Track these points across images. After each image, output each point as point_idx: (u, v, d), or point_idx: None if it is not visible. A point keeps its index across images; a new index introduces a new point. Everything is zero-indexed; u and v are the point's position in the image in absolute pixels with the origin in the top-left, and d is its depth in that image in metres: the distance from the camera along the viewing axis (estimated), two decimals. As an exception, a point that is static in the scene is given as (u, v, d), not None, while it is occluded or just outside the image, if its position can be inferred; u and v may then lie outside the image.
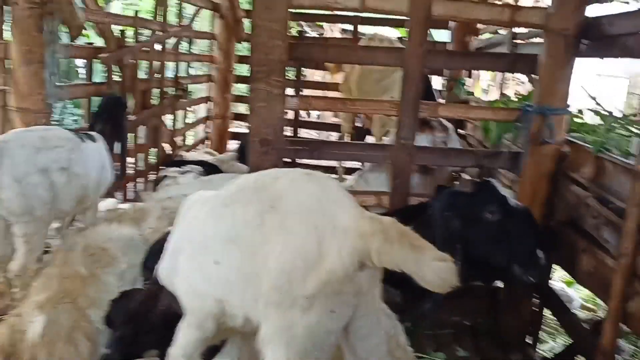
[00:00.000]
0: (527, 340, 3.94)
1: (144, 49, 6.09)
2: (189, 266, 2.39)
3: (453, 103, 6.37)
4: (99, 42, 5.98)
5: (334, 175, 7.42)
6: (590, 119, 4.29)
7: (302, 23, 14.06)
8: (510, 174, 4.03)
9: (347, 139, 7.44)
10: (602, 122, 3.61)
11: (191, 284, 2.39)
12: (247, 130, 5.23)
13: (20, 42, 4.08)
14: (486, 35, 7.07)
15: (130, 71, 5.82)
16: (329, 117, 13.86)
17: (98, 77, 6.14)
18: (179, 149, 7.65)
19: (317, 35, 14.70)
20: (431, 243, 1.99)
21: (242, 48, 9.01)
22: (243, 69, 9.72)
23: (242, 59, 9.04)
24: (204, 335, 2.41)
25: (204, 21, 9.32)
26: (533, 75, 3.84)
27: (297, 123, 8.29)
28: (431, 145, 4.43)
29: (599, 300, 4.44)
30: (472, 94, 7.68)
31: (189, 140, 9.05)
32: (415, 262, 1.90)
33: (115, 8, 13.94)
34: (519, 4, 6.08)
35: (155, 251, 2.83)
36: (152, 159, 6.90)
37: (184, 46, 7.67)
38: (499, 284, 3.95)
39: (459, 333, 3.94)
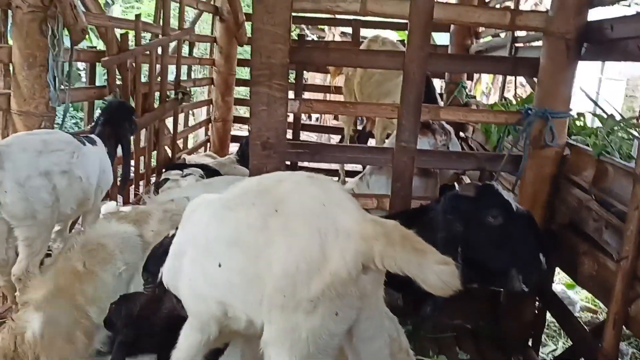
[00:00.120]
0: (528, 343, 3.94)
1: (145, 52, 6.11)
2: (192, 269, 2.40)
3: (454, 106, 6.39)
4: (100, 45, 5.99)
5: (335, 178, 7.44)
6: (591, 121, 4.30)
7: (303, 26, 14.14)
8: (511, 177, 4.04)
9: (348, 141, 7.45)
10: (602, 125, 3.62)
11: (194, 287, 2.39)
12: (248, 133, 5.24)
13: (23, 46, 4.09)
14: (487, 39, 7.09)
15: (132, 74, 5.84)
16: (329, 120, 13.90)
17: (100, 80, 6.17)
18: (180, 152, 7.66)
19: (318, 39, 14.74)
20: (433, 246, 2.00)
21: (243, 51, 9.03)
22: (244, 72, 9.75)
23: (243, 62, 9.06)
24: (207, 338, 2.42)
25: (205, 24, 9.35)
26: (534, 79, 3.84)
27: (297, 126, 8.30)
28: (432, 149, 4.43)
29: (600, 302, 4.45)
30: (474, 97, 7.70)
31: (190, 143, 9.07)
32: (417, 266, 1.91)
33: (116, 11, 14.00)
34: (520, 7, 6.08)
35: (156, 254, 2.83)
36: (154, 162, 6.91)
37: (185, 49, 7.68)
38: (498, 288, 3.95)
39: (461, 336, 3.94)
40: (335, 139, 10.98)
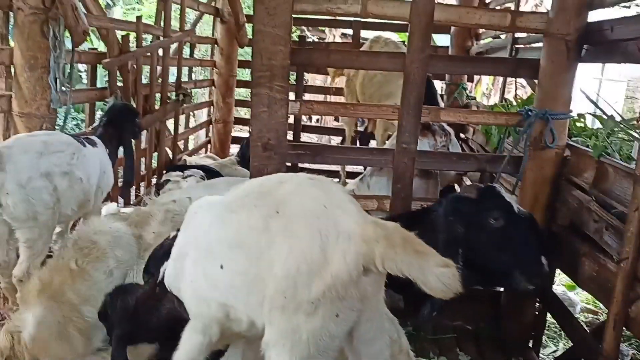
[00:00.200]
0: (529, 344, 3.94)
1: (146, 54, 6.12)
2: (194, 271, 2.41)
3: (454, 107, 6.40)
4: (101, 47, 6.00)
5: (336, 179, 7.45)
6: (591, 123, 4.30)
7: (304, 27, 14.15)
8: (511, 178, 4.04)
9: (349, 143, 7.46)
10: (602, 127, 3.62)
11: (196, 289, 2.40)
12: (248, 135, 5.24)
13: (24, 48, 4.11)
14: (487, 40, 7.10)
15: (133, 76, 5.85)
16: (330, 122, 13.91)
17: (101, 82, 6.18)
18: (181, 153, 7.67)
19: (318, 40, 14.75)
20: (435, 248, 2.00)
21: (244, 53, 9.05)
22: (245, 74, 9.75)
23: (244, 64, 9.07)
24: (208, 340, 2.42)
25: (206, 26, 9.36)
26: (535, 80, 3.85)
27: (298, 127, 8.31)
28: (432, 150, 4.43)
29: (600, 303, 4.45)
30: (474, 98, 7.71)
31: (191, 145, 9.08)
32: (418, 268, 1.91)
33: (117, 13, 14.03)
34: (520, 9, 6.08)
35: (157, 256, 2.84)
36: (154, 163, 6.92)
37: (186, 51, 7.69)
38: (501, 288, 3.95)
39: (461, 337, 3.94)
40: (335, 140, 10.98)
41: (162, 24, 6.52)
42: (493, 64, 4.44)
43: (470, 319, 4.03)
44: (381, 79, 6.00)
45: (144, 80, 6.24)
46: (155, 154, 6.78)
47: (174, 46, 7.04)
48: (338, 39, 14.77)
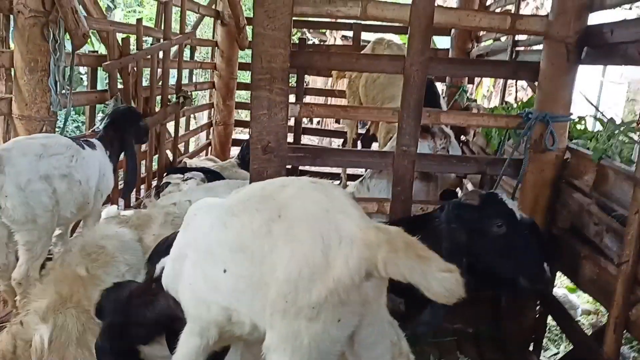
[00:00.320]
0: (529, 347, 3.93)
1: (146, 56, 6.12)
2: (193, 273, 2.40)
3: (455, 109, 6.39)
4: (102, 49, 6.01)
5: (336, 182, 7.45)
6: (592, 125, 4.30)
7: (304, 30, 14.16)
8: (512, 180, 4.04)
9: (350, 145, 7.45)
10: (603, 129, 3.62)
11: (195, 292, 2.39)
12: (249, 137, 5.24)
13: (25, 51, 4.11)
14: (488, 42, 7.10)
15: (133, 78, 5.85)
16: (331, 124, 13.91)
17: (101, 84, 6.18)
18: (182, 156, 7.67)
19: (319, 42, 14.77)
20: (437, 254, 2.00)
21: (245, 55, 9.06)
22: (245, 76, 9.76)
23: (244, 66, 9.08)
24: (206, 342, 2.41)
25: (207, 28, 9.37)
26: (535, 83, 3.85)
27: (299, 130, 8.32)
28: (432, 152, 4.43)
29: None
30: (475, 100, 7.71)
31: (192, 147, 9.08)
32: (421, 273, 1.89)
33: (118, 16, 14.05)
34: (520, 11, 6.08)
35: (161, 249, 2.82)
36: (155, 166, 6.92)
37: (186, 53, 7.70)
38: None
39: (462, 340, 3.93)
40: (336, 142, 10.98)
41: (162, 26, 6.52)
42: (493, 67, 4.43)
43: (470, 322, 4.02)
44: (384, 81, 5.99)
45: (145, 83, 6.24)
46: (155, 157, 6.79)
47: (174, 49, 7.05)
48: (339, 42, 14.78)
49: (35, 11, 4.06)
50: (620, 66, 3.56)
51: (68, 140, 3.91)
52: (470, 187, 5.30)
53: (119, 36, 5.74)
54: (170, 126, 7.18)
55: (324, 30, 15.37)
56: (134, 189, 6.18)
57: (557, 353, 4.87)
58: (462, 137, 6.42)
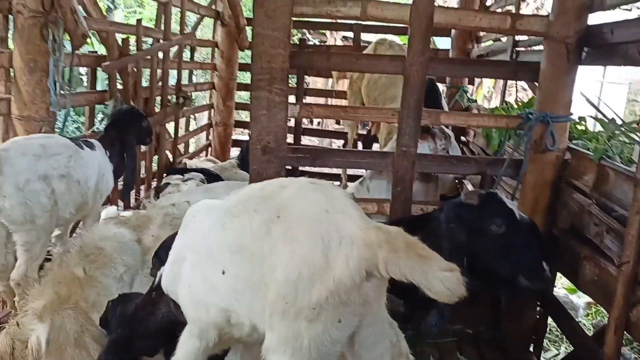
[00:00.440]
0: (530, 348, 3.92)
1: (146, 57, 6.12)
2: (192, 275, 2.39)
3: (455, 110, 6.38)
4: (102, 50, 6.01)
5: (337, 182, 7.44)
6: (593, 126, 4.29)
7: (305, 30, 14.16)
8: (512, 181, 4.03)
9: (351, 146, 7.44)
10: (603, 129, 3.61)
11: (194, 293, 2.38)
12: (248, 138, 5.24)
13: (24, 51, 4.11)
14: (488, 43, 7.09)
15: (133, 79, 5.85)
16: (331, 125, 13.91)
17: (102, 85, 6.17)
18: (181, 157, 7.67)
19: (319, 43, 14.77)
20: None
21: (245, 56, 9.06)
22: (245, 77, 9.75)
23: (244, 67, 9.08)
24: (205, 344, 2.41)
25: (207, 29, 9.37)
26: (535, 83, 3.84)
27: (299, 130, 8.31)
28: (432, 153, 4.42)
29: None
30: (475, 101, 7.69)
31: (192, 148, 9.08)
32: (422, 272, 1.89)
33: (118, 16, 14.05)
34: (520, 12, 6.08)
35: (169, 243, 2.81)
36: (155, 166, 6.92)
37: (186, 54, 7.70)
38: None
39: (462, 341, 3.92)
40: (336, 143, 10.96)
41: (162, 27, 6.52)
42: (493, 67, 4.43)
43: (470, 323, 4.01)
44: (386, 82, 5.97)
45: (144, 84, 6.24)
46: (155, 157, 6.78)
47: (174, 49, 7.05)
48: (339, 42, 14.78)
49: (34, 11, 4.06)
50: (620, 67, 3.54)
51: (67, 140, 3.91)
52: (470, 187, 5.29)
53: (119, 37, 5.73)
54: (170, 127, 7.18)
55: (324, 31, 15.38)
56: (133, 190, 6.18)
57: (558, 354, 4.86)
58: (463, 138, 6.41)
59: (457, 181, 5.73)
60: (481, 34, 7.07)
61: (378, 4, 3.43)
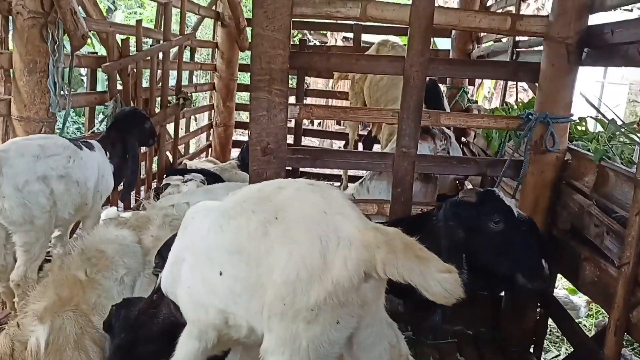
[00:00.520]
0: (530, 349, 3.91)
1: (146, 57, 6.11)
2: (191, 276, 2.39)
3: (456, 111, 6.37)
4: (102, 51, 6.01)
5: (336, 184, 7.44)
6: (594, 126, 4.28)
7: (305, 31, 14.16)
8: (512, 182, 4.02)
9: (352, 147, 7.44)
10: (603, 130, 3.61)
11: (193, 295, 2.38)
12: (249, 138, 5.23)
13: (24, 52, 4.11)
14: (488, 43, 7.09)
15: (133, 80, 5.84)
16: (331, 125, 13.92)
17: (102, 85, 6.16)
18: (182, 157, 7.67)
19: (320, 43, 14.78)
20: (436, 253, 1.99)
21: (245, 56, 9.06)
22: (246, 78, 9.75)
23: (244, 68, 9.08)
24: (204, 346, 2.41)
25: (207, 30, 9.37)
26: (536, 84, 3.83)
27: (299, 131, 8.31)
28: (432, 154, 4.41)
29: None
30: (476, 101, 7.69)
31: (192, 149, 9.08)
32: (420, 274, 1.89)
33: (119, 17, 14.06)
34: (521, 12, 6.07)
35: (171, 242, 2.81)
36: (155, 167, 6.91)
37: (186, 55, 7.70)
38: (502, 292, 3.93)
39: (462, 342, 3.91)
40: (337, 144, 10.95)
41: (162, 27, 6.52)
42: (493, 68, 4.42)
43: (470, 324, 4.01)
44: (387, 83, 5.96)
45: (144, 84, 6.24)
46: (155, 158, 6.78)
47: (174, 50, 7.05)
48: (340, 43, 14.79)
49: (34, 12, 4.06)
50: (621, 67, 3.54)
51: (65, 141, 3.91)
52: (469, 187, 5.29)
53: (119, 37, 5.73)
54: (170, 127, 7.17)
55: (324, 32, 15.38)
56: (134, 190, 6.17)
57: (558, 355, 4.85)
58: (463, 139, 6.40)
59: (457, 182, 5.73)
60: (481, 34, 7.06)
61: (378, 4, 3.43)
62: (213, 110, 9.01)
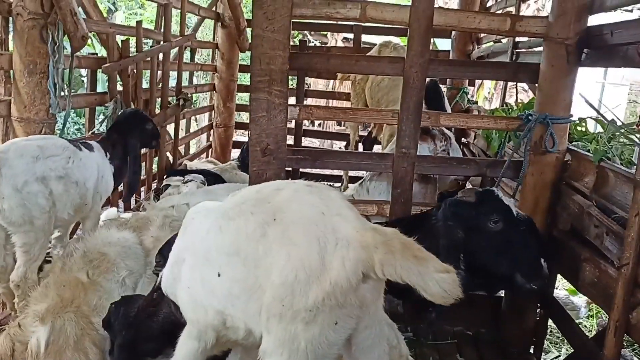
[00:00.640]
0: (530, 349, 3.91)
1: (146, 58, 6.12)
2: (191, 277, 2.40)
3: (455, 111, 6.37)
4: (103, 52, 6.01)
5: (337, 184, 7.44)
6: (594, 127, 4.28)
7: (306, 32, 14.16)
8: (512, 182, 4.02)
9: (353, 147, 7.44)
10: (603, 131, 3.60)
11: (193, 295, 2.39)
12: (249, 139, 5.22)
13: (24, 53, 4.11)
14: (488, 44, 7.09)
15: (133, 80, 5.85)
16: (332, 126, 13.92)
17: (102, 86, 6.17)
18: (182, 158, 7.67)
19: (320, 44, 14.78)
20: (435, 253, 1.99)
21: (245, 57, 9.06)
22: (246, 78, 9.75)
23: (245, 68, 9.09)
24: (204, 346, 2.41)
25: (207, 31, 9.37)
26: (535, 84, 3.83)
27: (299, 132, 8.31)
28: (432, 154, 4.41)
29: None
30: (476, 102, 7.69)
31: (192, 149, 9.08)
32: (418, 274, 1.90)
33: (119, 18, 14.07)
34: (521, 13, 6.07)
35: (172, 241, 2.82)
36: (155, 168, 6.92)
37: (187, 55, 7.71)
38: (502, 293, 3.93)
39: (462, 343, 3.91)
40: (337, 144, 10.95)
41: (162, 28, 6.52)
42: (493, 68, 4.42)
43: (470, 324, 4.01)
44: (389, 83, 5.96)
45: (144, 85, 6.24)
46: (155, 159, 6.78)
47: (174, 51, 7.05)
48: (340, 44, 14.79)
49: (34, 13, 4.06)
50: (621, 68, 3.54)
51: (65, 142, 3.91)
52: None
53: (119, 38, 5.73)
54: (171, 128, 7.17)
55: (325, 33, 15.39)
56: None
57: (559, 356, 4.85)
58: (463, 140, 6.40)
59: (459, 182, 5.72)
60: (481, 35, 7.06)
61: (377, 5, 3.43)
62: (213, 111, 9.02)
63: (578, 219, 3.24)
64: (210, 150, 9.12)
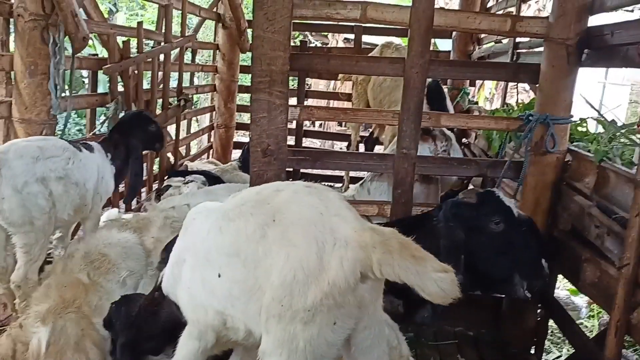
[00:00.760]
0: (531, 350, 3.91)
1: (147, 59, 6.12)
2: (191, 277, 2.41)
3: (456, 112, 6.37)
4: (104, 53, 6.02)
5: (337, 185, 7.44)
6: (595, 127, 4.28)
7: (307, 32, 14.17)
8: (513, 183, 4.02)
9: (354, 148, 7.43)
10: (604, 131, 3.60)
11: (193, 296, 2.40)
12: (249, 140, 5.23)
13: (25, 54, 4.12)
14: (489, 44, 7.09)
15: (134, 81, 5.85)
16: (333, 127, 13.92)
17: (104, 87, 6.17)
18: (183, 159, 7.67)
19: (321, 45, 14.79)
20: (436, 254, 1.99)
21: (246, 58, 9.07)
22: (247, 79, 9.76)
23: (245, 69, 9.09)
24: (204, 346, 2.42)
25: (208, 31, 9.38)
26: (536, 85, 3.83)
27: (300, 132, 8.31)
28: (433, 155, 4.41)
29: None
30: (477, 103, 7.69)
31: (193, 150, 9.09)
32: (416, 273, 1.90)
33: (120, 19, 14.08)
34: (521, 14, 6.07)
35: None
36: (156, 169, 6.92)
37: (187, 56, 7.71)
38: (502, 295, 3.93)
39: (463, 343, 3.92)
40: (338, 145, 10.95)
41: (163, 29, 6.53)
42: (493, 69, 4.42)
43: (471, 325, 4.02)
44: (391, 84, 5.96)
45: (145, 86, 6.24)
46: (156, 159, 6.78)
47: (175, 51, 7.06)
48: (341, 44, 14.79)
49: (35, 14, 4.07)
50: (622, 68, 3.54)
51: (65, 142, 3.91)
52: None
53: (120, 39, 5.74)
54: (172, 129, 7.18)
55: (325, 33, 15.39)
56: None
57: (560, 356, 4.84)
58: (464, 140, 6.40)
59: (464, 182, 5.72)
60: (482, 35, 7.06)
61: (378, 6, 3.43)
62: (214, 112, 9.03)
63: (579, 219, 3.24)
64: (211, 150, 9.12)
